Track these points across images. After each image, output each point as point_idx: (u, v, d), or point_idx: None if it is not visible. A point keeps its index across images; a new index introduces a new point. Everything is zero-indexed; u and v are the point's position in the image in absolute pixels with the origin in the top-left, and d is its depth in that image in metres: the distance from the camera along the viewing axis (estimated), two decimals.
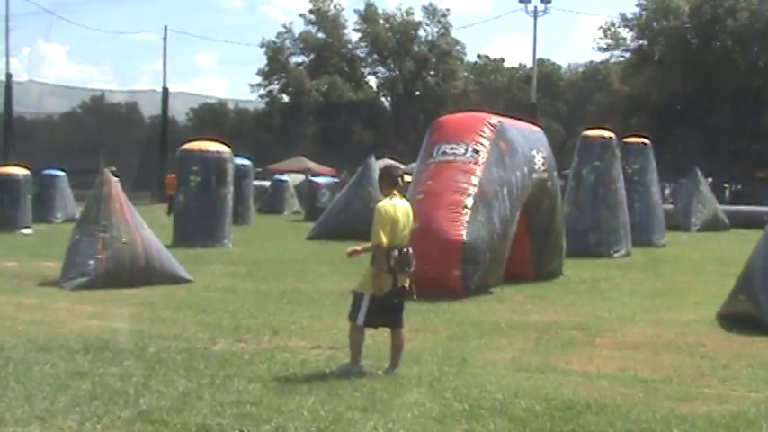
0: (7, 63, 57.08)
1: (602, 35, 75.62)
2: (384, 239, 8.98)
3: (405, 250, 9.02)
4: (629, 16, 72.51)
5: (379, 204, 9.31)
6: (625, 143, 27.61)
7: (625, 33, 74.31)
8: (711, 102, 64.99)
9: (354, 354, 9.12)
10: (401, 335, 9.22)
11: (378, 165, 33.00)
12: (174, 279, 16.49)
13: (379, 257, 9.02)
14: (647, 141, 28.41)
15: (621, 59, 76.54)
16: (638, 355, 10.53)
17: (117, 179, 32.80)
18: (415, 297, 9.21)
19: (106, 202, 16.49)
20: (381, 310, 9.04)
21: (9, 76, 57.05)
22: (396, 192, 9.30)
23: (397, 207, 9.16)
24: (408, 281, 9.15)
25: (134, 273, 16.08)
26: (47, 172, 37.62)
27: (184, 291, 15.70)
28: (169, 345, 10.35)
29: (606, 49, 76.57)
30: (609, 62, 79.67)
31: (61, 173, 37.82)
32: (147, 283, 15.88)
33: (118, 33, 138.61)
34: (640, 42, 73.18)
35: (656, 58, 71.75)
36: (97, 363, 9.33)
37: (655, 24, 71.07)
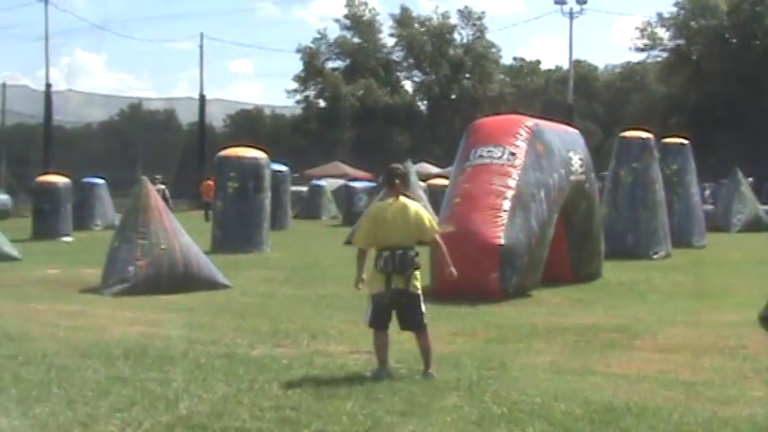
0: (47, 73, 57.54)
1: (638, 35, 75.32)
2: (360, 242, 9.21)
3: (399, 252, 8.93)
4: (665, 16, 72.15)
5: (369, 206, 9.38)
6: (663, 144, 27.45)
7: (662, 33, 73.95)
8: (751, 101, 64.39)
9: (378, 357, 9.11)
10: (424, 336, 9.15)
11: (415, 169, 33.07)
12: (213, 285, 16.56)
13: (359, 256, 9.21)
14: (685, 142, 28.23)
15: (659, 59, 76.08)
16: (679, 357, 10.45)
17: (164, 186, 32.83)
18: (405, 301, 9.03)
19: (145, 209, 16.59)
20: (382, 311, 9.03)
21: (48, 85, 57.62)
22: (396, 192, 9.25)
23: (385, 208, 9.16)
24: (412, 283, 9.03)
25: (173, 279, 16.16)
26: (86, 180, 37.91)
27: (223, 296, 15.77)
28: (208, 350, 10.40)
29: (643, 50, 76.26)
30: (646, 62, 79.24)
31: (100, 181, 38.10)
32: (186, 289, 15.95)
33: (155, 42, 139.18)
34: (678, 42, 72.75)
35: (693, 58, 71.28)
36: (137, 368, 9.40)
37: (692, 23, 70.66)
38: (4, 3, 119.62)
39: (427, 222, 9.21)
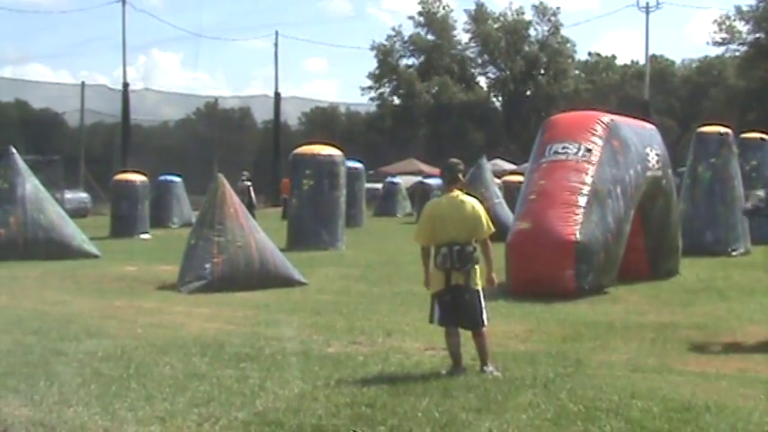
0: (124, 72, 58.18)
1: (716, 29, 74.27)
2: (419, 238, 9.16)
3: (457, 247, 8.88)
4: (744, 8, 71.07)
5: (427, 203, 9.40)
6: (742, 139, 26.97)
7: (741, 26, 72.83)
8: None
9: (452, 355, 9.12)
10: (481, 334, 9.11)
11: (489, 166, 32.94)
12: (289, 282, 16.67)
13: (423, 255, 9.15)
14: (765, 137, 27.71)
15: (737, 53, 74.92)
16: (759, 355, 10.31)
17: (250, 183, 32.70)
18: (467, 297, 9.00)
19: (221, 207, 16.74)
20: (447, 308, 9.01)
21: (126, 85, 58.36)
22: (454, 188, 9.21)
23: (441, 204, 9.15)
24: (472, 279, 8.99)
25: (249, 276, 16.29)
26: (163, 178, 38.34)
27: (299, 293, 15.86)
28: (284, 347, 10.46)
29: (721, 44, 75.13)
30: (724, 56, 78.01)
31: (177, 178, 38.51)
32: (261, 286, 16.07)
33: (230, 40, 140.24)
34: (757, 35, 71.59)
35: None
36: (214, 364, 9.49)
37: None
38: (84, 3, 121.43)
39: (484, 221, 9.10)
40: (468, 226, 9.03)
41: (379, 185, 52.51)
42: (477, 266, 9.03)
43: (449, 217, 9.02)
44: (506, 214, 26.56)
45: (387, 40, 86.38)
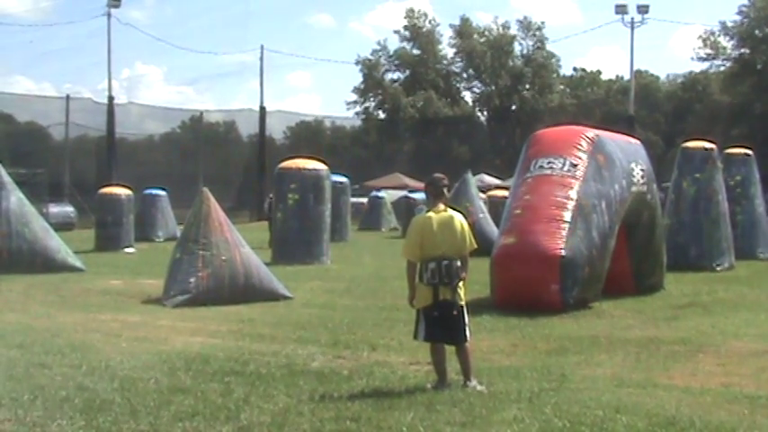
0: (109, 86, 58.00)
1: (701, 45, 74.53)
2: (409, 254, 9.10)
3: (445, 263, 8.90)
4: (729, 24, 71.32)
5: (413, 218, 9.34)
6: (727, 154, 27.10)
7: (725, 42, 73.08)
8: None
9: (437, 371, 9.11)
10: (464, 349, 9.12)
11: (474, 180, 32.96)
12: (274, 296, 16.65)
13: (410, 270, 9.12)
14: (749, 152, 27.82)
15: (722, 69, 75.21)
16: (743, 370, 10.32)
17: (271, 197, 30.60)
18: (455, 312, 9.02)
19: (206, 221, 16.71)
20: (434, 324, 8.99)
21: (111, 98, 58.22)
22: (440, 203, 9.23)
23: (432, 219, 9.12)
24: (458, 294, 9.01)
25: (234, 290, 16.27)
26: (148, 192, 38.30)
27: (283, 308, 15.84)
28: (269, 361, 10.44)
29: (706, 59, 75.41)
30: (709, 72, 78.33)
31: (162, 192, 38.47)
32: (246, 300, 16.05)
33: (214, 54, 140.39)
34: (742, 51, 71.85)
35: (758, 67, 70.35)
36: (199, 379, 9.46)
37: (757, 32, 69.74)
38: (69, 16, 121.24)
39: (468, 236, 9.16)
40: (458, 242, 9.05)
41: (365, 200, 52.51)
42: (461, 282, 9.04)
43: (440, 233, 9.02)
44: (491, 229, 26.58)
45: (372, 54, 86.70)
